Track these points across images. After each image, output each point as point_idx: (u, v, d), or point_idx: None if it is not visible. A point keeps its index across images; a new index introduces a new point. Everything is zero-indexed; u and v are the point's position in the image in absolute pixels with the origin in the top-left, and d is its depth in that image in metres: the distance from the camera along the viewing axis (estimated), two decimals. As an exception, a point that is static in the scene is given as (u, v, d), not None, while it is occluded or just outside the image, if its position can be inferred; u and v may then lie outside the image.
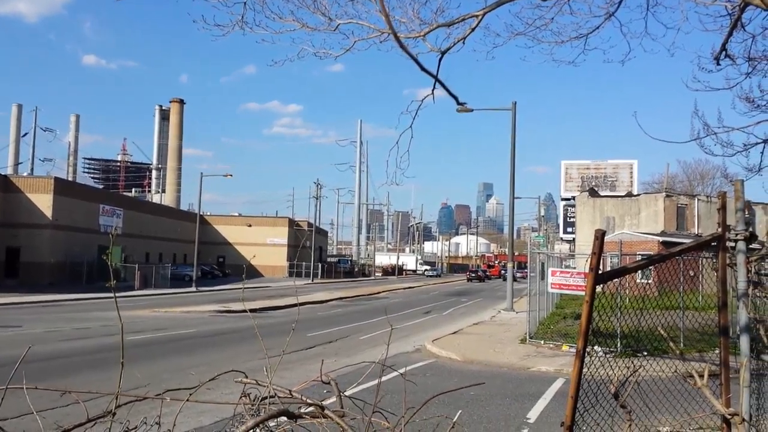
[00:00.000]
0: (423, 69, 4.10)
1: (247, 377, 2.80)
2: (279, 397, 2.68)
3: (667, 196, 51.57)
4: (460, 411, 3.36)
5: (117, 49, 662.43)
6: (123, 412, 2.81)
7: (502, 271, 74.62)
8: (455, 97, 5.18)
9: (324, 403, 2.88)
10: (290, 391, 2.68)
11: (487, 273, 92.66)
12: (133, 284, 46.97)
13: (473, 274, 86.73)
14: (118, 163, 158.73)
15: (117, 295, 29.65)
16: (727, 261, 5.51)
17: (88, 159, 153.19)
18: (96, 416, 2.60)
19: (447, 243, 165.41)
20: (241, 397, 2.83)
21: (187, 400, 2.62)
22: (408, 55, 4.11)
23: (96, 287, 42.03)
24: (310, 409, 2.67)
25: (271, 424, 2.73)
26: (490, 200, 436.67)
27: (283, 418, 2.54)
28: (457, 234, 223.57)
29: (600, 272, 4.47)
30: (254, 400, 2.73)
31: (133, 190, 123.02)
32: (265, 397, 2.67)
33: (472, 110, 33.57)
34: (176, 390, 2.96)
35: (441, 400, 10.27)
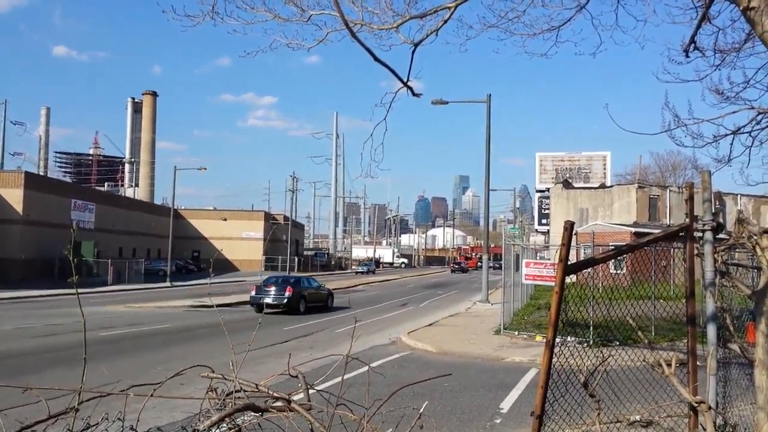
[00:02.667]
0: (377, 59, 4.07)
1: (213, 372, 2.77)
2: (246, 391, 2.66)
3: (640, 187, 52.24)
4: (426, 402, 3.36)
5: (88, 39, 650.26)
6: (89, 409, 2.77)
7: (479, 263, 75.34)
8: (410, 87, 5.18)
9: (294, 397, 2.87)
10: (257, 385, 2.66)
11: (464, 265, 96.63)
12: (107, 279, 46.37)
13: (457, 266, 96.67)
14: (90, 157, 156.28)
15: (90, 290, 29.39)
16: (695, 251, 5.60)
17: (60, 153, 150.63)
18: (57, 413, 2.55)
19: (424, 235, 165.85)
20: (207, 392, 2.80)
21: (151, 395, 2.59)
22: (362, 46, 4.10)
23: (68, 283, 41.38)
24: (278, 403, 2.65)
25: (239, 419, 2.71)
26: (466, 192, 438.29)
27: (250, 413, 2.52)
28: (433, 226, 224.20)
29: (569, 263, 4.51)
30: (221, 395, 2.71)
31: (106, 184, 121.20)
32: (232, 392, 2.64)
33: (447, 103, 33.69)
34: (142, 386, 2.93)
35: (415, 392, 10.28)
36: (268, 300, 26.06)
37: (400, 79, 4.93)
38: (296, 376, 2.82)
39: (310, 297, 27.97)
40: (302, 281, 29.05)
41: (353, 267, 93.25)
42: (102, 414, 2.75)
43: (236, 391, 2.60)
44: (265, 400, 2.62)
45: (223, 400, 2.58)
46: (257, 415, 2.51)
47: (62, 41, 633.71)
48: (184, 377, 3.05)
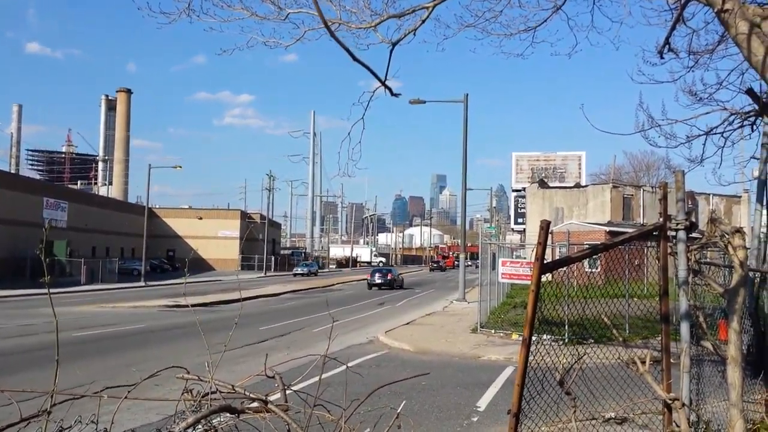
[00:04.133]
0: (355, 59, 4.07)
1: (189, 373, 2.74)
2: (222, 392, 2.63)
3: (614, 187, 52.82)
4: (404, 401, 3.36)
5: (62, 36, 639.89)
6: (62, 412, 2.72)
7: (456, 262, 75.84)
8: (388, 87, 5.19)
9: (271, 397, 2.85)
10: (233, 386, 2.63)
11: (443, 264, 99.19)
12: (80, 279, 45.73)
13: (435, 265, 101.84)
14: (63, 155, 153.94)
15: (63, 290, 28.84)
16: (669, 250, 5.67)
17: (32, 150, 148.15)
18: (29, 416, 2.50)
19: (401, 234, 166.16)
20: (183, 394, 2.76)
21: (125, 397, 2.55)
22: (341, 45, 4.10)
23: (41, 283, 40.82)
24: (254, 404, 2.63)
25: (215, 421, 2.68)
26: (443, 192, 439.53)
27: (226, 414, 2.49)
28: (410, 225, 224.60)
29: (545, 262, 4.54)
30: (196, 397, 2.67)
31: (79, 182, 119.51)
32: (208, 393, 2.61)
33: (424, 102, 33.76)
34: (116, 387, 2.88)
35: (393, 391, 10.29)
36: (378, 281, 45.90)
37: (378, 79, 4.94)
38: (273, 377, 2.79)
39: (397, 280, 47.44)
40: (393, 271, 49.74)
41: (294, 269, 73.10)
42: (75, 416, 2.70)
43: (212, 393, 2.57)
44: (241, 401, 2.59)
45: (199, 401, 2.55)
46: (233, 416, 2.48)
47: (36, 38, 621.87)
48: (158, 378, 3.01)
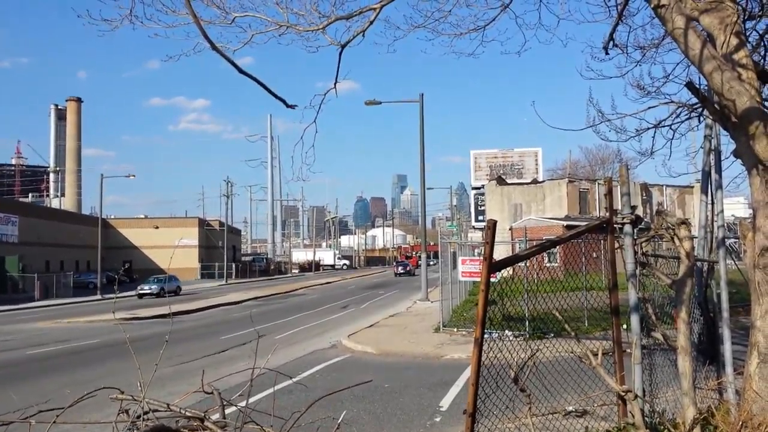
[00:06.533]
0: (242, 71, 4.02)
1: (123, 393, 2.63)
2: (158, 411, 2.53)
3: (570, 181, 53.64)
4: (345, 411, 3.30)
5: (8, 45, 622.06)
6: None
7: (419, 262, 76.35)
8: (283, 101, 5.16)
9: (215, 415, 2.76)
10: (168, 404, 2.54)
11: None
12: (34, 295, 44.50)
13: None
14: (13, 167, 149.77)
15: (16, 307, 28.01)
16: (616, 244, 5.73)
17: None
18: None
19: (364, 236, 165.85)
20: (118, 414, 2.66)
21: (54, 422, 2.43)
22: (225, 58, 4.07)
23: (-8, 300, 39.63)
24: (192, 422, 2.53)
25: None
26: (404, 192, 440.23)
27: (161, 434, 2.39)
28: (373, 227, 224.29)
29: (495, 261, 4.54)
30: (132, 417, 2.57)
31: (30, 195, 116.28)
32: (143, 414, 2.51)
33: (380, 103, 33.79)
34: (49, 411, 2.77)
35: (355, 395, 10.12)
36: (401, 271, 70.28)
37: (272, 93, 4.93)
38: (211, 393, 2.71)
39: (412, 270, 69.42)
40: (408, 263, 75.20)
41: (140, 287, 47.43)
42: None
43: (145, 413, 2.47)
44: (177, 420, 2.50)
45: (133, 422, 2.45)
46: (168, 436, 2.39)
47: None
48: (109, 396, 2.90)
